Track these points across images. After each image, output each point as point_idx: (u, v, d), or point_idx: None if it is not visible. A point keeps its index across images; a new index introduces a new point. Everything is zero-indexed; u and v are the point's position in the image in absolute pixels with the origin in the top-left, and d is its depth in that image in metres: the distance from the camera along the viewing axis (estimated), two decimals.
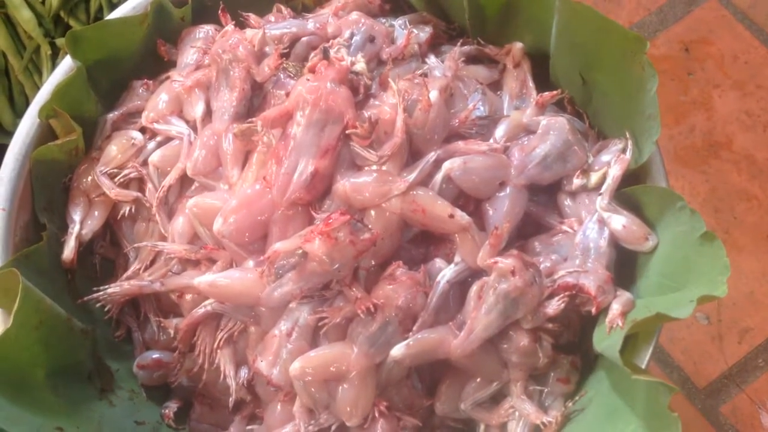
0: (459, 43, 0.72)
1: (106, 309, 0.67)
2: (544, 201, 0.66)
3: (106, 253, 0.72)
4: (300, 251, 0.59)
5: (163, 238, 0.67)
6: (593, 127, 0.69)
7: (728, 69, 1.02)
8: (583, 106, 0.69)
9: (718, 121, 0.99)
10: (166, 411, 0.67)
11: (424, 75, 0.68)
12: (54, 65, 0.87)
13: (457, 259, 0.62)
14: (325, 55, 0.65)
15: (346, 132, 0.61)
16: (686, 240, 0.57)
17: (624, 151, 0.64)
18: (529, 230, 0.66)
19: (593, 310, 0.59)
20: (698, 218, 0.56)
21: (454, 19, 0.75)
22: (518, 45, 0.71)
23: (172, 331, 0.65)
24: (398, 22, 0.73)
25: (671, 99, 1.00)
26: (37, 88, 0.82)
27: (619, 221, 0.61)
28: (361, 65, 0.65)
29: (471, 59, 0.73)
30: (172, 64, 0.74)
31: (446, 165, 0.62)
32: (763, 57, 1.03)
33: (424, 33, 0.72)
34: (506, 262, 0.59)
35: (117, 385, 0.66)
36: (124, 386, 0.67)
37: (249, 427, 0.65)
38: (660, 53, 1.03)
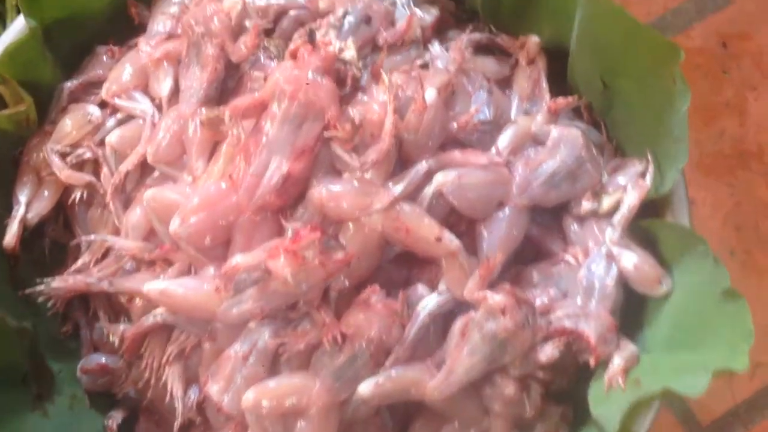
0: (468, 30, 0.64)
1: (50, 304, 0.60)
2: (547, 222, 0.58)
3: (58, 236, 0.64)
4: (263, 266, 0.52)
5: (118, 229, 0.60)
6: (611, 139, 0.60)
7: (767, 69, 0.92)
8: (601, 114, 0.61)
9: (750, 128, 0.90)
10: (110, 422, 0.60)
11: (425, 66, 0.60)
12: None
13: (441, 287, 0.54)
14: (311, 37, 0.57)
15: (326, 133, 0.53)
16: (706, 293, 0.49)
17: (643, 175, 0.56)
18: (528, 255, 0.58)
19: (591, 361, 0.51)
20: (722, 270, 0.48)
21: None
22: (534, 39, 0.62)
23: (116, 340, 0.58)
24: (400, 1, 0.64)
25: (702, 99, 0.91)
26: None
27: (631, 259, 0.53)
28: (350, 53, 0.56)
29: (480, 49, 0.64)
30: (143, 29, 0.65)
31: (438, 178, 0.54)
32: None
33: (429, 15, 0.63)
34: (496, 299, 0.51)
35: (57, 390, 0.60)
36: (65, 392, 0.61)
37: None
38: (695, 45, 0.93)
